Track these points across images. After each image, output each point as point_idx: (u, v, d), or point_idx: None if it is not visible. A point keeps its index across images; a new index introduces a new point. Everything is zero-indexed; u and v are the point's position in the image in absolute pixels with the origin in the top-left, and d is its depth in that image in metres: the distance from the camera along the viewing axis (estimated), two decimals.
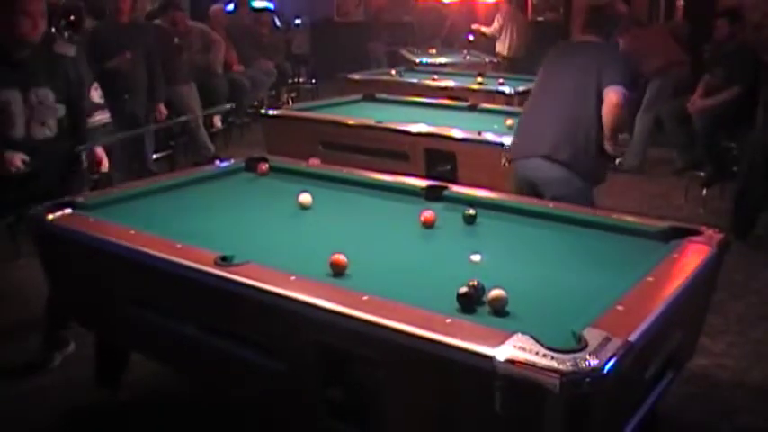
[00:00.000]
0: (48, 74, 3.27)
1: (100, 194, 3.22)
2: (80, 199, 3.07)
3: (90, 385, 3.23)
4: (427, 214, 2.92)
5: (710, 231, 2.66)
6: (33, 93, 3.23)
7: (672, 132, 7.07)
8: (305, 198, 3.16)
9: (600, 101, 3.64)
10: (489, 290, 2.12)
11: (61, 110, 3.32)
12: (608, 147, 3.66)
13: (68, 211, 2.92)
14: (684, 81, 7.07)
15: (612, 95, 3.61)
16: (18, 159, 3.19)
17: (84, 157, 3.39)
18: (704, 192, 6.08)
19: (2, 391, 3.31)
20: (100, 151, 3.41)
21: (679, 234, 2.67)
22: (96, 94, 3.42)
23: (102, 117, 3.44)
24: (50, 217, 2.86)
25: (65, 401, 3.25)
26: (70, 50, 3.34)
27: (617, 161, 3.67)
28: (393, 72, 8.52)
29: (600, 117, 3.64)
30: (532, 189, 3.76)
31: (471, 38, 11.11)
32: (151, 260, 2.48)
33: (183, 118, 5.73)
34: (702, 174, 6.23)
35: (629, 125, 3.94)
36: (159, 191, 3.37)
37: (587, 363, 1.70)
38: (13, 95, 3.19)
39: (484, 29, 10.37)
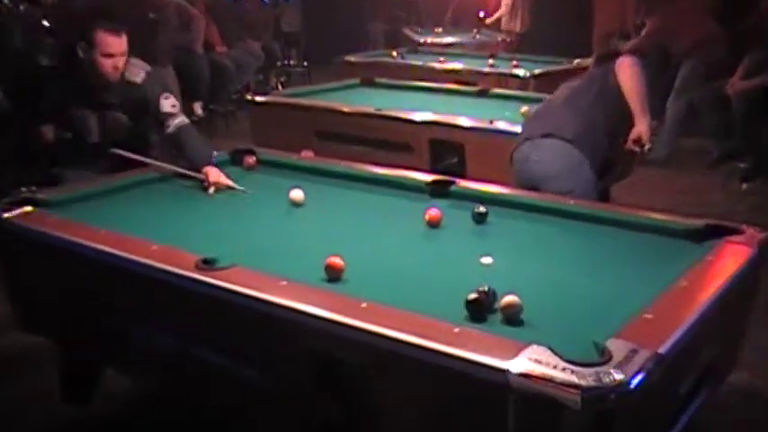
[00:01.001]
0: (119, 100, 3.81)
1: (64, 191, 3.22)
2: (42, 195, 3.07)
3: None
4: (432, 212, 2.93)
5: (751, 230, 2.66)
6: (107, 114, 3.82)
7: (707, 119, 7.05)
8: (297, 194, 3.16)
9: (606, 101, 3.71)
10: (502, 296, 2.13)
11: (132, 124, 3.88)
12: (641, 129, 3.63)
13: (28, 208, 2.92)
14: (720, 60, 7.04)
15: (622, 59, 3.69)
16: (49, 132, 3.91)
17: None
18: (744, 186, 6.08)
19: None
20: (211, 171, 3.49)
21: (715, 233, 2.67)
22: (167, 104, 3.71)
23: (177, 122, 3.67)
24: (6, 215, 2.85)
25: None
26: (138, 77, 3.81)
27: (646, 148, 3.62)
28: (394, 53, 8.52)
29: (611, 116, 3.68)
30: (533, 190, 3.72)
31: (482, 15, 11.11)
32: (124, 264, 2.48)
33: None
34: (742, 165, 6.23)
35: (657, 110, 3.92)
36: (132, 186, 3.39)
37: (611, 377, 1.70)
38: (88, 112, 3.81)
39: (495, 15, 10.41)
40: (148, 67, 3.87)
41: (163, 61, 6.96)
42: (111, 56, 3.65)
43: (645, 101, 3.63)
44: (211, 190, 3.37)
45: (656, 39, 6.50)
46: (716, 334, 2.34)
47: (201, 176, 3.42)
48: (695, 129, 7.48)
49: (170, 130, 3.63)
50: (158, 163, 3.61)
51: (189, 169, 3.50)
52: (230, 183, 3.40)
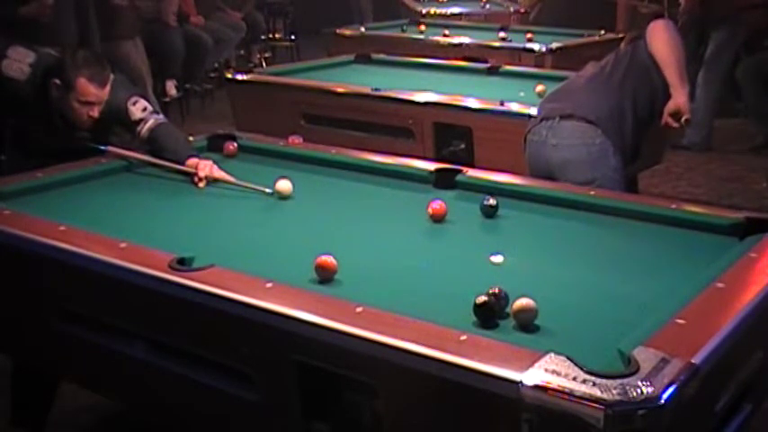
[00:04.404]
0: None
1: (18, 180, 3.22)
2: None
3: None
4: (436, 205, 2.93)
5: None
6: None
7: (752, 97, 7.00)
8: (283, 185, 3.17)
9: (635, 78, 3.71)
10: (514, 299, 2.13)
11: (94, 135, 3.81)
12: (679, 100, 3.60)
13: None
14: (763, 29, 7.01)
15: (654, 23, 3.68)
16: None
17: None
18: None
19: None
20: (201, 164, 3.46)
21: (758, 228, 2.68)
22: (137, 109, 3.67)
23: (149, 125, 3.63)
24: None
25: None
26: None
27: (683, 119, 3.57)
28: (365, 22, 8.50)
29: (640, 95, 3.68)
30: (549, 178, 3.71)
31: None
32: (87, 263, 2.49)
33: None
34: None
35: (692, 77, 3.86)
36: (96, 176, 3.39)
37: (639, 391, 1.70)
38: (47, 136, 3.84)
39: None
40: (111, 75, 3.78)
41: (127, 32, 6.94)
42: (89, 104, 3.60)
43: (683, 68, 3.59)
44: (201, 184, 3.36)
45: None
46: (759, 342, 2.34)
47: (190, 170, 3.41)
48: (735, 109, 7.45)
49: (143, 134, 3.62)
50: (155, 160, 3.56)
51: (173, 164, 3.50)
52: (226, 176, 3.37)
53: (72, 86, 3.55)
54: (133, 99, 3.69)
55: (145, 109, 3.66)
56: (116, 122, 3.77)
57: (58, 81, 3.59)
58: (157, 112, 3.75)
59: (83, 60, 3.60)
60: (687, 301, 2.14)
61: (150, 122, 3.61)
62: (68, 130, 3.70)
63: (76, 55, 3.65)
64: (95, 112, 3.62)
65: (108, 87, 3.62)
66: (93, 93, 3.57)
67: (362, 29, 8.46)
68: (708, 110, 7.17)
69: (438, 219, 2.91)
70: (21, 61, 3.72)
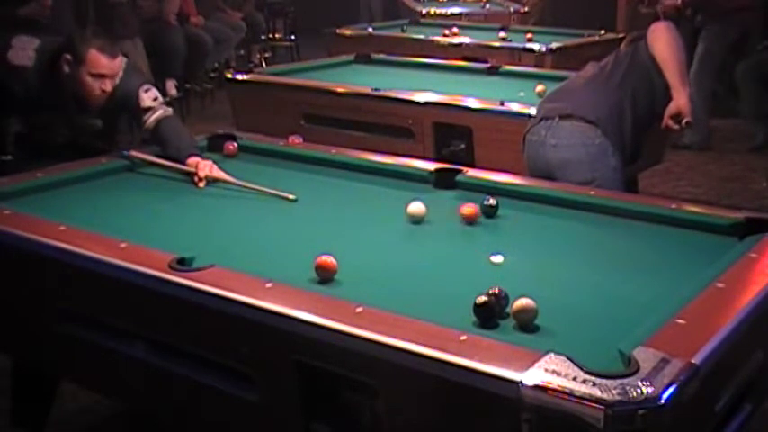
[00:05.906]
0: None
1: (18, 180, 3.22)
2: None
3: None
4: (468, 208, 2.91)
5: None
6: (78, 119, 3.85)
7: (751, 97, 7.00)
8: (416, 208, 3.13)
9: (635, 79, 3.72)
10: (514, 299, 2.13)
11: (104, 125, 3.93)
12: (680, 102, 3.61)
13: None
14: (756, 29, 7.01)
15: (656, 25, 3.69)
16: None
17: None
18: None
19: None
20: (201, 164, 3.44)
21: (758, 228, 2.68)
22: (148, 98, 3.66)
23: (157, 115, 3.62)
24: None
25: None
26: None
27: (684, 122, 3.58)
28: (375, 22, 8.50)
29: (640, 96, 3.69)
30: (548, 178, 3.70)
31: None
32: (88, 263, 2.49)
33: None
34: None
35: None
36: (96, 176, 3.38)
37: (639, 391, 1.70)
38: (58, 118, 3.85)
39: None
40: (123, 58, 3.79)
41: (128, 32, 6.94)
42: (101, 77, 3.55)
43: (684, 70, 3.61)
44: (201, 184, 3.35)
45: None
46: (759, 342, 2.34)
47: (190, 170, 3.40)
48: (736, 108, 7.44)
49: (149, 124, 3.61)
50: (155, 160, 3.53)
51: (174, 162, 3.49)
52: (225, 176, 3.36)
53: (83, 59, 3.51)
54: (146, 87, 3.69)
55: (156, 98, 3.67)
56: (124, 109, 3.76)
57: (68, 56, 3.55)
58: (167, 105, 3.75)
59: (92, 34, 3.61)
60: (687, 301, 2.14)
61: (159, 113, 3.61)
62: (80, 113, 3.69)
63: (85, 31, 3.65)
64: (108, 86, 3.57)
65: (119, 59, 3.61)
66: (104, 64, 3.54)
67: (370, 29, 8.46)
68: (702, 108, 7.13)
69: (471, 220, 2.89)
70: (26, 48, 3.70)
